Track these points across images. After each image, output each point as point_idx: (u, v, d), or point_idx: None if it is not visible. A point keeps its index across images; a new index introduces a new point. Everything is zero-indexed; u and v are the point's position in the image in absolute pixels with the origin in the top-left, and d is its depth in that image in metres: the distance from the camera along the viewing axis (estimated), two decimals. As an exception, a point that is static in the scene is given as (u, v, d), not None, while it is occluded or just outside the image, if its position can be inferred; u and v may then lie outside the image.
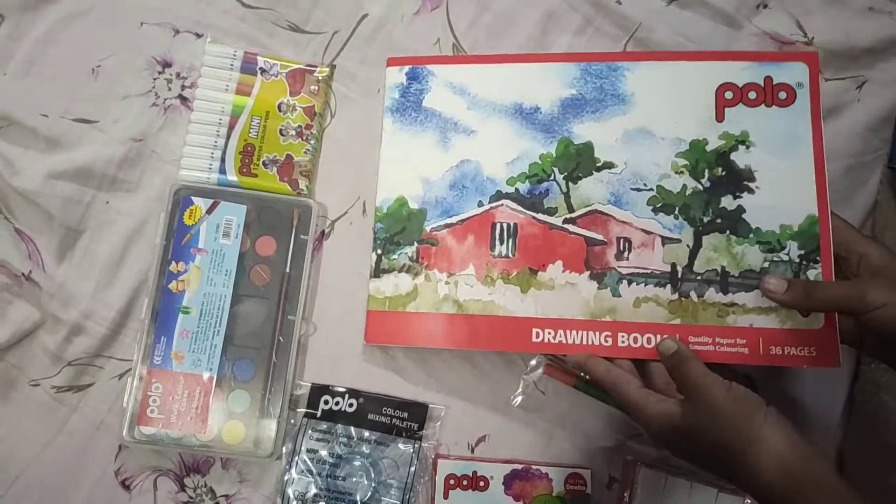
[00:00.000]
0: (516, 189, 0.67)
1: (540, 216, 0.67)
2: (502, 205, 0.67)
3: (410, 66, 0.70)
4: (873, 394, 0.66)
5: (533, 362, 0.68)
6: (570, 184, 0.67)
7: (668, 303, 0.64)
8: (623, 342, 0.63)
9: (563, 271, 0.66)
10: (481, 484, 0.65)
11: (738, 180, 0.65)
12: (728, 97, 0.66)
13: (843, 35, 0.73)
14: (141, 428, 0.64)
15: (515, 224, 0.67)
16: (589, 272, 0.65)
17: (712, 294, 0.64)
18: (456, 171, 0.68)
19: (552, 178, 0.67)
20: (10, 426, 0.65)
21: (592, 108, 0.68)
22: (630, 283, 0.65)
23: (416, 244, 0.67)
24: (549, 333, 0.64)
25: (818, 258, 0.62)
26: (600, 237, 0.66)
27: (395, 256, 0.67)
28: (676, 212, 0.65)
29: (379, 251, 0.67)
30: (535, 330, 0.64)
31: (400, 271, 0.67)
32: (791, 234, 0.63)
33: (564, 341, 0.64)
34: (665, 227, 0.65)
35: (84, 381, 0.66)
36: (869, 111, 0.73)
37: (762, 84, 0.66)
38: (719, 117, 0.66)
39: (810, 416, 0.68)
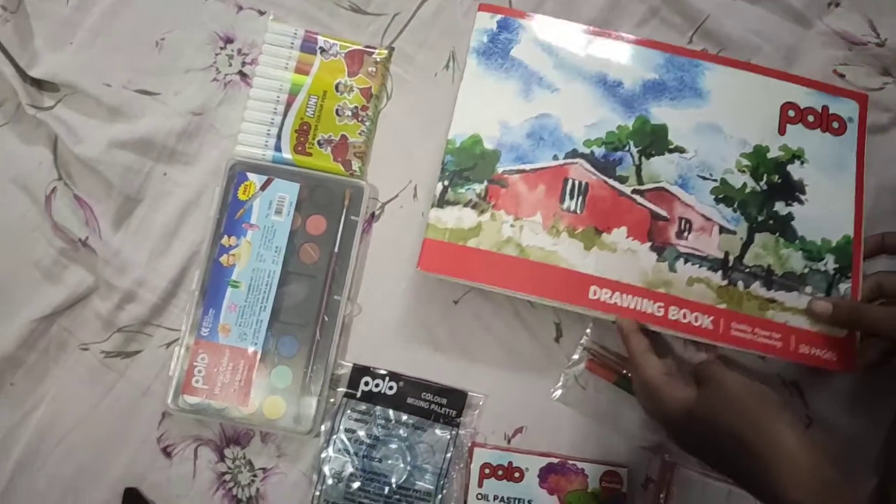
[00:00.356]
0: (592, 151, 0.68)
1: (611, 181, 0.68)
2: (577, 163, 0.68)
3: (502, 16, 0.71)
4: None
5: (575, 356, 0.67)
6: (643, 158, 0.68)
7: (718, 287, 0.66)
8: (674, 315, 0.65)
9: (627, 237, 0.67)
10: (516, 475, 0.65)
11: (791, 189, 0.68)
12: (790, 115, 0.69)
13: (919, 38, 0.70)
14: (185, 397, 0.65)
15: (587, 183, 0.68)
16: (650, 243, 0.67)
17: (757, 287, 0.66)
18: (535, 122, 0.69)
19: (627, 149, 0.69)
20: (59, 388, 0.67)
21: (671, 95, 0.69)
22: (686, 261, 0.67)
23: (485, 183, 0.68)
24: (606, 293, 0.65)
25: (850, 274, 0.66)
26: (664, 213, 0.68)
27: (463, 191, 0.67)
28: (735, 205, 0.68)
29: (446, 182, 0.67)
30: (592, 287, 0.65)
31: (465, 205, 0.67)
32: (830, 247, 0.67)
33: (619, 303, 0.65)
34: (724, 216, 0.68)
35: (132, 348, 0.67)
36: (940, 117, 0.70)
37: (820, 111, 0.69)
38: (781, 131, 0.69)
39: (854, 434, 0.67)
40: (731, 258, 0.67)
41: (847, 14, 0.72)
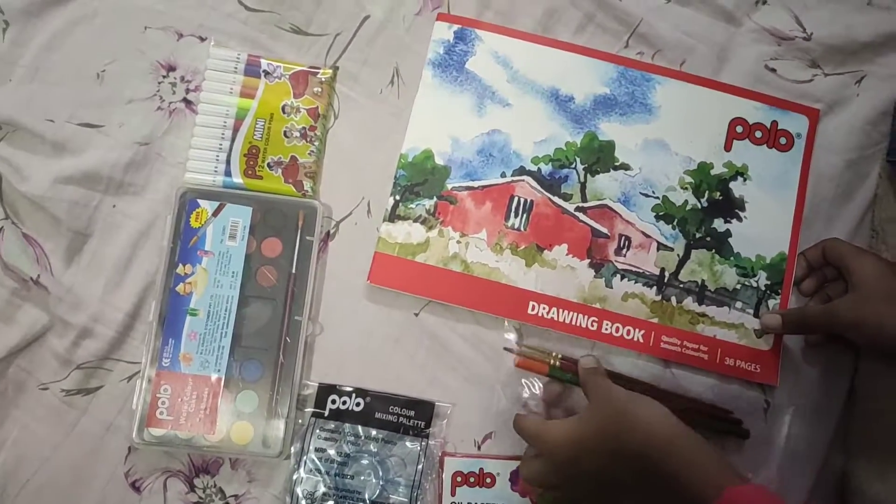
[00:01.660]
0: (539, 168, 0.70)
1: (555, 199, 0.70)
2: (524, 180, 0.70)
3: (460, 27, 0.72)
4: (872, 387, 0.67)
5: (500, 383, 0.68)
6: (589, 175, 0.71)
7: (651, 302, 0.69)
8: (607, 329, 0.68)
9: (567, 254, 0.69)
10: (488, 480, 0.66)
11: (731, 207, 0.71)
12: (738, 131, 0.72)
13: (843, 30, 0.74)
14: (150, 430, 0.64)
15: (532, 201, 0.70)
16: (589, 260, 0.70)
17: (689, 302, 0.69)
18: (486, 139, 0.71)
19: (573, 166, 0.71)
20: (20, 429, 0.66)
21: (621, 110, 0.72)
22: (623, 277, 0.69)
23: (435, 199, 0.69)
24: (544, 308, 0.68)
25: (780, 290, 0.70)
26: (605, 231, 0.70)
27: (413, 206, 0.69)
28: (675, 222, 0.71)
29: (397, 197, 0.69)
30: (531, 303, 0.68)
31: (415, 221, 0.69)
32: (763, 264, 0.70)
33: (556, 318, 0.68)
34: (663, 234, 0.71)
35: (93, 384, 0.66)
36: (868, 105, 0.74)
37: (768, 126, 0.72)
38: (727, 147, 0.72)
39: (815, 410, 0.69)
40: (667, 274, 0.70)
41: (774, 11, 0.75)
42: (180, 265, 0.67)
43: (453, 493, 0.66)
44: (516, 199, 0.70)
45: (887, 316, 0.60)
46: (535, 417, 0.63)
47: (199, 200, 0.68)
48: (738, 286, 0.70)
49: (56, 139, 0.68)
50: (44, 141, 0.68)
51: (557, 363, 0.65)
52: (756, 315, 0.69)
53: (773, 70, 0.74)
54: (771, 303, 0.69)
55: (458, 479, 0.66)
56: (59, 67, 0.70)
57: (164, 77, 0.71)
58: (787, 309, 0.69)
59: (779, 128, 0.72)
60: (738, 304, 0.69)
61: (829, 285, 0.69)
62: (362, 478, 0.65)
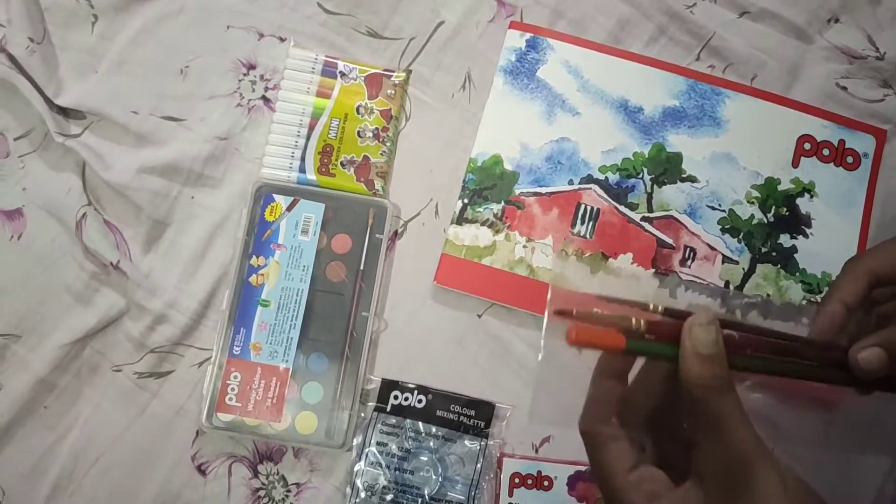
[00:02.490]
0: (606, 178, 0.71)
1: (622, 208, 0.71)
2: (591, 188, 0.71)
3: (532, 35, 0.73)
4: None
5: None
6: (656, 186, 0.71)
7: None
8: None
9: (632, 263, 0.70)
10: (545, 483, 0.67)
11: (798, 223, 0.71)
12: (806, 148, 0.72)
13: (916, 50, 0.73)
14: (219, 415, 0.66)
15: (598, 209, 0.71)
16: (654, 270, 0.70)
17: (754, 316, 0.67)
18: (555, 146, 0.71)
19: (640, 176, 0.71)
20: (92, 410, 0.68)
21: (690, 123, 0.72)
22: (687, 289, 0.68)
23: (503, 203, 0.70)
24: None
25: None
26: (670, 241, 0.71)
27: (481, 210, 0.70)
28: (741, 236, 0.71)
29: (465, 200, 0.70)
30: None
31: (483, 224, 0.70)
32: (829, 281, 0.70)
33: None
34: (728, 247, 0.71)
35: (165, 368, 0.68)
36: (939, 127, 0.73)
37: (836, 144, 0.72)
38: (795, 163, 0.72)
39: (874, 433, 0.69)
40: (732, 287, 0.70)
41: (846, 29, 0.75)
42: (254, 257, 0.68)
43: (511, 494, 0.66)
44: (583, 206, 0.71)
45: None
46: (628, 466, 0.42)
47: (273, 195, 0.70)
48: (804, 302, 0.70)
49: (139, 131, 0.71)
50: (127, 132, 0.71)
51: (643, 327, 0.40)
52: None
53: (844, 88, 0.74)
54: None
55: (516, 480, 0.67)
56: (143, 61, 0.73)
57: (244, 75, 0.73)
58: (882, 334, 0.46)
59: (846, 146, 0.72)
60: (804, 321, 0.69)
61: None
62: (422, 473, 0.66)
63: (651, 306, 0.43)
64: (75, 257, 0.69)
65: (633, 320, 0.40)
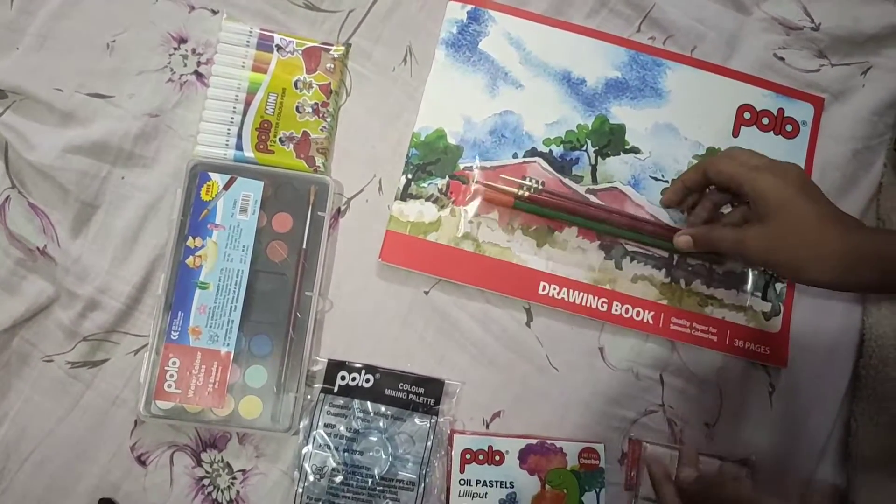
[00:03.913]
0: (550, 150, 0.71)
1: (566, 180, 0.70)
2: (535, 161, 0.70)
3: (473, 7, 0.72)
4: (879, 369, 0.68)
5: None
6: (599, 158, 0.71)
7: (661, 284, 0.70)
8: (616, 311, 0.69)
9: (577, 236, 0.70)
10: (497, 458, 0.66)
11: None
12: (746, 117, 0.73)
13: (850, 21, 0.75)
14: (158, 403, 0.64)
15: (543, 182, 0.70)
16: (599, 242, 0.70)
17: (698, 284, 0.70)
18: (498, 119, 0.70)
19: (584, 148, 0.71)
20: (23, 402, 0.65)
21: (632, 94, 0.72)
22: (632, 259, 0.70)
23: (447, 178, 0.69)
24: (555, 289, 0.68)
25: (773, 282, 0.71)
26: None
27: (425, 185, 0.69)
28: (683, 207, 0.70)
29: (409, 176, 0.69)
30: (542, 283, 0.68)
31: (427, 200, 0.69)
32: None
33: (566, 299, 0.68)
34: (671, 217, 0.71)
35: (99, 357, 0.66)
36: (874, 96, 0.75)
37: (775, 113, 0.73)
38: (735, 133, 0.73)
39: (818, 394, 0.70)
40: (675, 257, 0.70)
41: (783, 1, 0.75)
42: (190, 238, 0.66)
43: (462, 471, 0.66)
44: (528, 179, 0.70)
45: (806, 260, 0.57)
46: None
47: (209, 174, 0.67)
48: (747, 269, 0.70)
49: (64, 109, 0.67)
50: (52, 110, 0.67)
51: (526, 193, 0.66)
52: (764, 298, 0.69)
53: (782, 59, 0.75)
54: (778, 286, 0.70)
55: (468, 456, 0.66)
56: (67, 36, 0.69)
57: (175, 49, 0.70)
58: (697, 227, 0.66)
59: (785, 115, 0.73)
60: (747, 287, 0.70)
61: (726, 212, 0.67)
62: (371, 454, 0.65)
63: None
64: (-1, 243, 0.66)
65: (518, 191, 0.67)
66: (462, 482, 0.65)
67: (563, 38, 0.72)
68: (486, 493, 0.65)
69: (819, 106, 0.73)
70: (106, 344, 0.66)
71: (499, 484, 0.66)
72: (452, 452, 0.66)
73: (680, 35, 0.74)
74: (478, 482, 0.66)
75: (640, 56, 0.73)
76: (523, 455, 0.66)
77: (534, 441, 0.67)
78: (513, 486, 0.66)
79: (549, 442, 0.67)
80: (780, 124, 0.73)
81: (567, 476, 0.66)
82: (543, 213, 0.69)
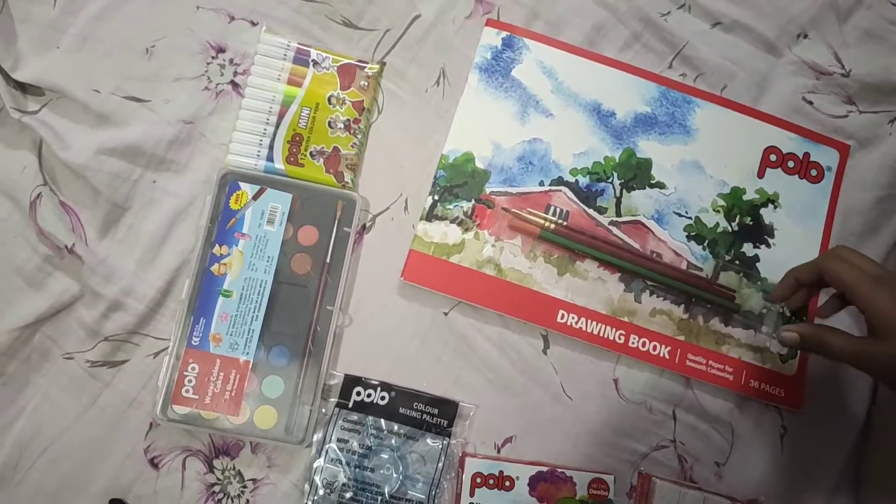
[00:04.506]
0: (576, 180, 0.71)
1: (590, 211, 0.71)
2: (561, 191, 0.71)
3: (508, 34, 0.73)
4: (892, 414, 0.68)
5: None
6: (625, 191, 0.71)
7: (679, 320, 0.70)
8: (633, 343, 0.69)
9: (598, 267, 0.70)
10: (507, 484, 0.66)
11: (761, 233, 0.72)
12: (772, 159, 0.73)
13: (880, 69, 0.76)
14: (174, 407, 0.64)
15: (567, 211, 0.71)
16: (619, 274, 0.70)
17: (716, 322, 0.71)
18: (527, 146, 0.71)
19: (610, 180, 0.71)
20: (41, 398, 0.65)
21: (660, 129, 0.73)
22: (651, 293, 0.70)
23: (473, 201, 0.70)
24: (573, 318, 0.69)
25: (805, 317, 0.71)
26: (637, 246, 0.71)
27: (451, 207, 0.70)
28: (706, 243, 0.72)
29: (436, 197, 0.70)
30: (561, 311, 0.69)
31: (452, 222, 0.69)
32: None
33: (584, 328, 0.69)
34: (693, 253, 0.72)
35: (119, 357, 0.66)
36: (900, 146, 0.75)
37: (801, 157, 0.73)
38: (760, 174, 0.73)
39: (830, 438, 0.70)
40: (693, 297, 0.71)
41: (814, 45, 0.76)
42: (217, 246, 0.67)
43: (472, 494, 0.66)
44: (552, 208, 0.71)
45: None
46: None
47: (239, 183, 0.68)
48: (764, 310, 0.71)
49: (100, 110, 0.68)
50: (88, 111, 0.68)
51: (552, 225, 0.68)
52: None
53: (810, 102, 0.75)
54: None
55: (478, 479, 0.66)
56: (107, 39, 0.70)
57: (213, 58, 0.71)
58: (805, 325, 0.65)
59: (811, 159, 0.74)
60: (764, 329, 0.70)
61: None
62: (382, 471, 0.65)
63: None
64: (28, 239, 0.66)
65: (545, 223, 0.69)
66: (471, 505, 0.66)
67: (595, 70, 0.73)
68: (494, 518, 0.66)
69: (845, 152, 0.74)
70: (126, 345, 0.66)
71: (507, 509, 0.66)
72: (463, 475, 0.66)
73: (710, 73, 0.75)
74: (486, 506, 0.66)
75: (670, 92, 0.73)
76: (533, 482, 0.66)
77: (544, 469, 0.67)
78: (521, 512, 0.66)
79: (559, 470, 0.67)
80: (805, 168, 0.73)
81: (576, 506, 0.66)
82: (567, 244, 0.69)
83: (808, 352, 0.68)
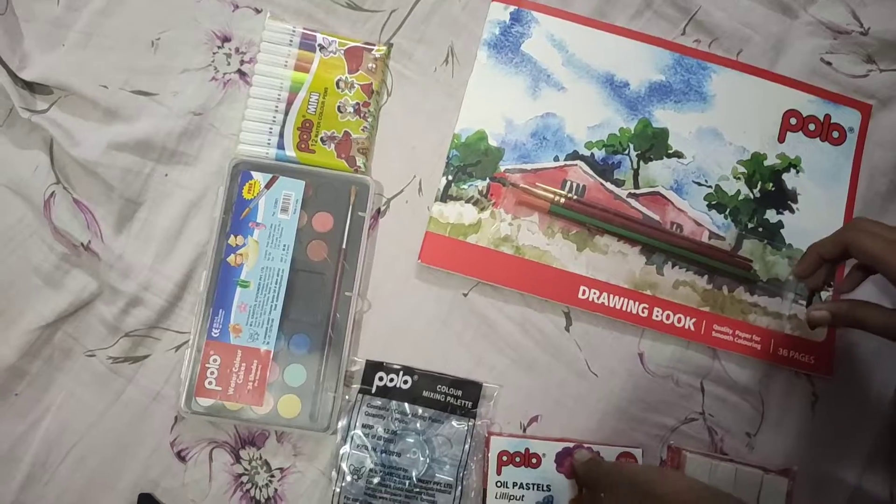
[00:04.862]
0: (592, 154, 0.70)
1: (608, 185, 0.70)
2: (577, 165, 0.70)
3: (516, 8, 0.72)
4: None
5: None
6: (642, 162, 0.70)
7: (703, 291, 0.69)
8: (657, 316, 0.68)
9: (618, 240, 0.69)
10: (534, 461, 0.66)
11: (784, 198, 0.71)
12: (792, 123, 0.71)
13: (899, 26, 0.73)
14: (198, 399, 0.64)
15: (584, 186, 0.69)
16: (640, 247, 0.69)
17: (741, 292, 0.69)
18: (539, 122, 0.70)
19: (627, 152, 0.70)
20: (65, 396, 0.66)
21: (676, 97, 0.71)
22: (674, 265, 0.69)
23: (488, 180, 0.69)
24: (595, 293, 0.68)
25: (832, 283, 0.69)
26: (657, 217, 0.70)
27: (465, 187, 0.69)
28: (727, 212, 0.70)
29: (450, 177, 0.69)
30: (582, 287, 0.68)
31: (467, 202, 0.68)
32: None
33: (606, 303, 0.68)
34: (714, 223, 0.70)
35: (140, 353, 0.66)
36: (923, 102, 0.73)
37: (822, 119, 0.71)
38: (781, 138, 0.71)
39: (862, 403, 0.69)
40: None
41: (830, 4, 0.74)
42: (232, 236, 0.66)
43: (499, 472, 0.65)
44: (569, 183, 0.70)
45: None
46: None
47: (251, 172, 0.67)
48: (791, 277, 0.69)
49: (109, 105, 0.68)
50: (96, 107, 0.68)
51: (561, 200, 0.67)
52: (808, 305, 0.68)
53: (829, 63, 0.73)
54: (824, 295, 0.69)
55: (504, 458, 0.66)
56: (112, 34, 0.69)
57: (218, 48, 0.70)
58: (837, 302, 0.63)
59: (832, 121, 0.72)
60: (791, 295, 0.69)
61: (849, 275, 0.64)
62: (409, 455, 0.65)
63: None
64: (44, 238, 0.66)
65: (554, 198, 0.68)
66: (499, 484, 0.65)
67: (606, 41, 0.72)
68: (523, 496, 0.65)
69: (866, 112, 0.72)
70: (147, 340, 0.66)
71: (535, 487, 0.65)
72: (489, 454, 0.66)
73: (725, 38, 0.73)
74: (514, 484, 0.65)
75: (684, 59, 0.72)
76: (560, 458, 0.66)
77: (571, 444, 0.66)
78: (549, 489, 0.65)
79: (586, 445, 0.66)
80: (826, 130, 0.72)
81: (605, 482, 0.65)
82: (580, 219, 0.69)
83: (841, 326, 0.65)
